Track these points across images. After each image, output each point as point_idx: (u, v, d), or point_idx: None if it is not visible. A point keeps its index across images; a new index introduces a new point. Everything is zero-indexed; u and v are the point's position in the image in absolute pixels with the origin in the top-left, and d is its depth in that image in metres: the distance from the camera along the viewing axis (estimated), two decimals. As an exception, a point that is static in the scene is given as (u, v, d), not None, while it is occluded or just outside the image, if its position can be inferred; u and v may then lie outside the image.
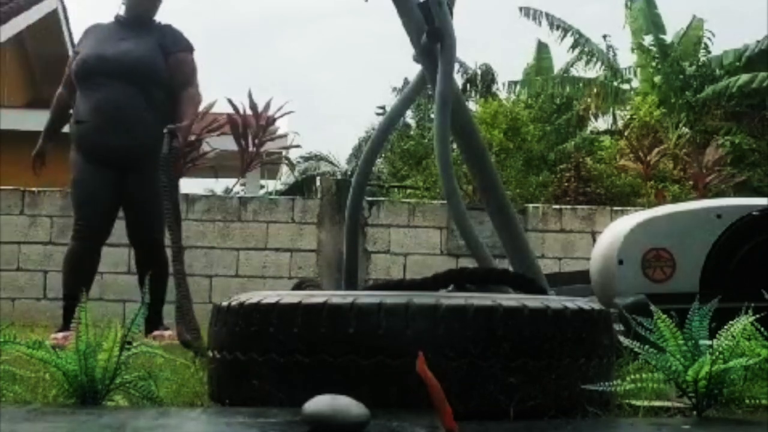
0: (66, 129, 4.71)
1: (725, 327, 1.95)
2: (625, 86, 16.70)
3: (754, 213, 3.85)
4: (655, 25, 15.61)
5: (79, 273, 4.36)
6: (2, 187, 8.00)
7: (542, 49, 18.49)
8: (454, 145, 3.18)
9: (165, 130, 3.82)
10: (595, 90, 16.17)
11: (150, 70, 4.39)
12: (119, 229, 7.87)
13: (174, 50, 4.46)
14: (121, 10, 4.61)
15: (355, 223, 3.37)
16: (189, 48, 4.56)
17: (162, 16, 4.71)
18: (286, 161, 16.02)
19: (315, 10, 63.01)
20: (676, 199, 9.89)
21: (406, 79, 18.71)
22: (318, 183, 14.02)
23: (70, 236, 4.51)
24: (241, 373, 1.93)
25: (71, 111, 4.58)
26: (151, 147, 4.05)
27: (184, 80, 4.45)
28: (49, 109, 4.83)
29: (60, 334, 4.19)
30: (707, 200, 5.37)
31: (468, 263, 7.81)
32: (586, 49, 16.74)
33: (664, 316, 1.97)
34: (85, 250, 4.38)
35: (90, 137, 4.38)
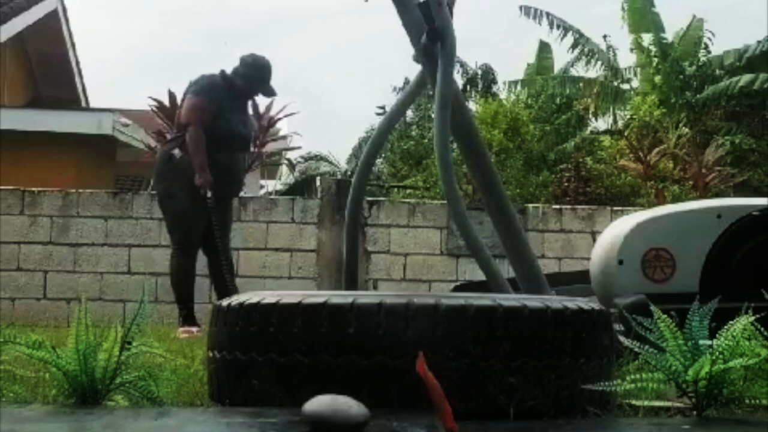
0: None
1: (725, 327, 1.95)
2: (625, 86, 16.70)
3: (754, 213, 3.85)
4: (655, 25, 15.59)
5: (190, 279, 5.60)
6: (2, 187, 7.99)
7: (544, 48, 18.46)
8: (454, 145, 3.17)
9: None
10: (595, 90, 16.16)
11: (251, 141, 5.95)
12: (120, 230, 7.91)
13: (257, 119, 6.31)
14: (230, 71, 5.63)
15: (355, 223, 3.36)
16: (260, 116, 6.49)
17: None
18: (286, 161, 16.03)
19: (316, 10, 62.92)
20: (676, 199, 9.89)
21: (406, 79, 18.70)
22: (318, 183, 14.00)
23: (174, 253, 5.63)
24: (241, 373, 1.93)
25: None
26: (238, 191, 6.03)
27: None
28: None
29: (194, 329, 5.33)
30: (707, 200, 5.37)
31: (468, 263, 7.84)
32: (586, 49, 16.73)
33: (664, 316, 1.97)
34: (190, 262, 5.59)
35: (212, 188, 5.56)
